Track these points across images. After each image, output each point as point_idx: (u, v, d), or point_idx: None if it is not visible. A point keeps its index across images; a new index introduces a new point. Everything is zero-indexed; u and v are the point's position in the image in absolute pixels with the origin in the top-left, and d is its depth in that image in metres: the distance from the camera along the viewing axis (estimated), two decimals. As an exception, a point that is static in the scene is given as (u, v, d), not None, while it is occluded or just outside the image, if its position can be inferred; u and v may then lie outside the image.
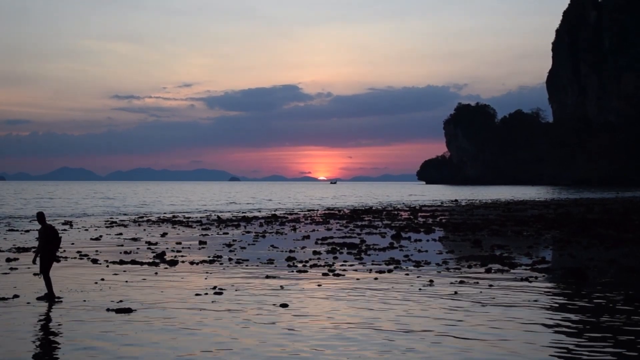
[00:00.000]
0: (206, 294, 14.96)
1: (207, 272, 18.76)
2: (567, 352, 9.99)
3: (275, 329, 11.51)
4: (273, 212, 56.67)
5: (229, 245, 27.00)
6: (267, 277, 17.82)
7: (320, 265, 20.22)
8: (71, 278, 17.40)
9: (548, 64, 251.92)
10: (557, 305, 13.73)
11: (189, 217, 49.04)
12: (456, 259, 21.92)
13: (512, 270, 18.89)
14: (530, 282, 16.74)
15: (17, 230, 35.25)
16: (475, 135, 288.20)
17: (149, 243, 27.91)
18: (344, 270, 19.17)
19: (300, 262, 21.13)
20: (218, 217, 49.85)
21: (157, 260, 21.47)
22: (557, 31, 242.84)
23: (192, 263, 20.97)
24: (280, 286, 16.10)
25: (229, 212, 59.66)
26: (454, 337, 10.87)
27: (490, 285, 16.09)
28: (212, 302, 13.99)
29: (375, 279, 17.41)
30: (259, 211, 61.25)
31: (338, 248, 25.57)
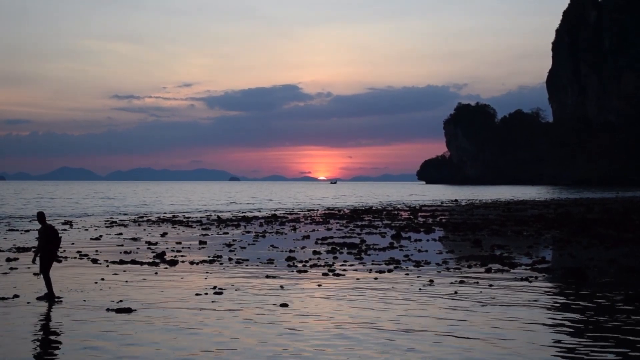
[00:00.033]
0: (206, 293, 14.96)
1: (207, 272, 18.76)
2: (568, 352, 9.99)
3: (275, 328, 11.50)
4: (273, 212, 56.70)
5: (229, 245, 27.00)
6: (267, 277, 17.83)
7: (320, 265, 20.23)
8: (71, 278, 17.41)
9: (548, 64, 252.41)
10: (557, 305, 13.74)
11: (189, 217, 49.06)
12: (456, 258, 21.92)
13: (512, 270, 18.90)
14: (530, 281, 16.75)
15: (17, 230, 35.26)
16: (475, 135, 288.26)
17: (149, 243, 27.93)
18: (344, 270, 19.18)
19: (300, 262, 21.13)
20: (218, 217, 49.86)
21: (157, 260, 21.48)
22: (557, 31, 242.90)
23: (192, 263, 20.97)
24: (281, 286, 16.10)
25: (229, 212, 59.69)
26: (455, 336, 10.87)
27: (491, 285, 16.10)
28: (212, 302, 13.99)
29: (376, 278, 17.42)
30: (259, 211, 61.28)
31: (338, 248, 25.57)
